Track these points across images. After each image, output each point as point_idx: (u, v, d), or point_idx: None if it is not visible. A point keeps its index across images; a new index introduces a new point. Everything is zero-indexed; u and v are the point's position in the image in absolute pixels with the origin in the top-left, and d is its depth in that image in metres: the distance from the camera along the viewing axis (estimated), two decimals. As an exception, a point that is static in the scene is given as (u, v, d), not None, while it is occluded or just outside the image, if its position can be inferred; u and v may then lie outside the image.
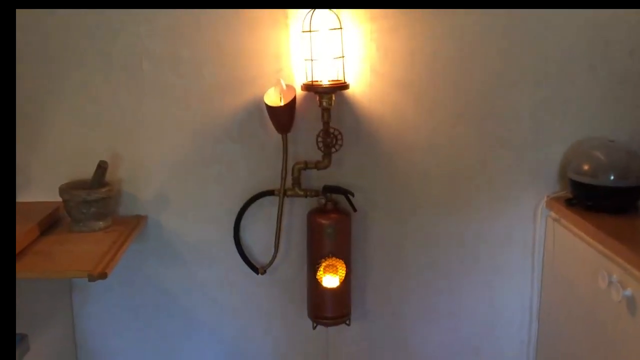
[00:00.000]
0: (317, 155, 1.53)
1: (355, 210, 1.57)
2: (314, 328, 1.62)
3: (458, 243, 1.65)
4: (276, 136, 1.53)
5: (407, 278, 1.68)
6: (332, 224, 1.50)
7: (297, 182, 1.54)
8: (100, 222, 1.45)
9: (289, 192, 1.55)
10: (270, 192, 1.56)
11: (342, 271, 1.53)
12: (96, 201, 1.42)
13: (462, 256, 1.66)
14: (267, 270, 1.61)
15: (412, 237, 1.65)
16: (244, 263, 1.60)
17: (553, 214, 1.61)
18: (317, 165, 1.53)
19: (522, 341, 1.74)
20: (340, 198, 1.55)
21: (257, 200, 1.57)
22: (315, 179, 1.58)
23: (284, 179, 1.54)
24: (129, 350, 1.70)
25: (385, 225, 1.64)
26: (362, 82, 1.53)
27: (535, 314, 1.71)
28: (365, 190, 1.61)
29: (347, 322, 1.62)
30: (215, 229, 1.60)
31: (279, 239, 1.59)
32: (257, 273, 1.60)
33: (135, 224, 1.51)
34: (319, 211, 1.54)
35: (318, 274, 1.52)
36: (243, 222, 1.60)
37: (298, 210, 1.60)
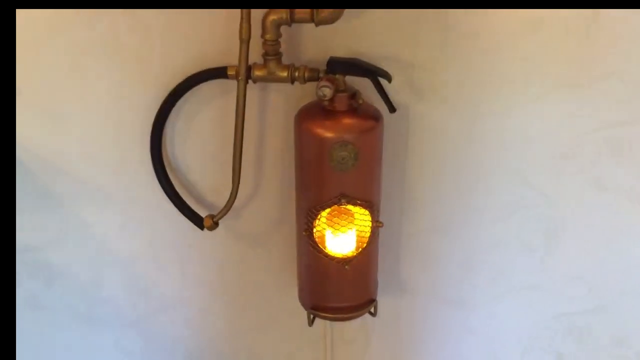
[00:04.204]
0: (312, -5, 0.95)
1: (393, 109, 0.99)
2: (310, 324, 1.15)
3: (574, 163, 1.12)
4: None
5: (477, 229, 1.17)
6: (346, 140, 0.96)
7: (273, 50, 1.00)
8: None
9: (257, 73, 1.01)
10: (220, 72, 1.03)
11: (363, 226, 1.03)
12: None
13: (576, 185, 1.14)
14: (221, 222, 1.10)
15: (496, 151, 1.12)
16: (175, 209, 1.10)
17: None
18: (315, 17, 0.98)
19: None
20: (364, 84, 0.99)
21: (195, 89, 1.05)
22: (311, 43, 1.04)
23: (245, 44, 0.99)
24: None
25: (449, 137, 1.09)
26: None
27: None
28: (412, 68, 1.04)
29: (372, 310, 1.13)
30: (119, 143, 1.11)
31: (239, 163, 1.06)
32: (202, 228, 1.09)
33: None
34: (320, 112, 0.99)
35: (317, 229, 1.02)
36: (170, 132, 1.10)
37: (277, 107, 1.08)
